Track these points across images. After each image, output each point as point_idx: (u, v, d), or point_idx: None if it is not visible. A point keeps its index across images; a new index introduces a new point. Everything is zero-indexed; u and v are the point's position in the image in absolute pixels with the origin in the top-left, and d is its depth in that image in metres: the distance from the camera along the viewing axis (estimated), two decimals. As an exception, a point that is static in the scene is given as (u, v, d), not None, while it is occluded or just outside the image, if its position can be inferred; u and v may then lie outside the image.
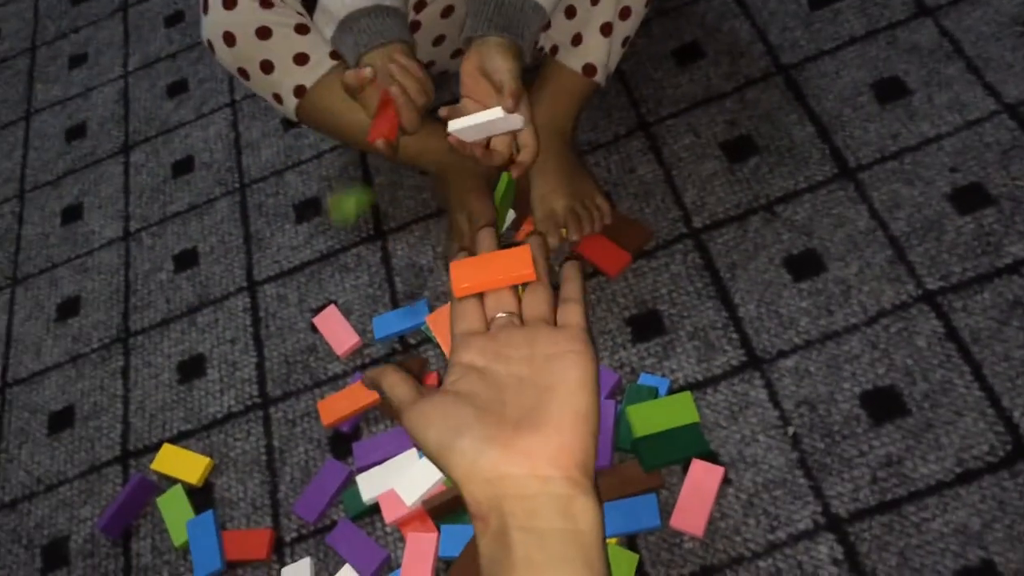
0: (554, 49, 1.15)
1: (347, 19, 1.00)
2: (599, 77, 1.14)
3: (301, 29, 1.12)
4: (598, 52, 1.12)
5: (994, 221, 1.04)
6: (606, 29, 1.10)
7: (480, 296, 0.54)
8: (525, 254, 0.53)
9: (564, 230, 1.15)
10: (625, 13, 1.11)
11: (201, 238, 1.38)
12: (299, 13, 1.12)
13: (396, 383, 0.51)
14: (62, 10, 1.83)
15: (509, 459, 0.46)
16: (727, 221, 1.14)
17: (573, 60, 1.13)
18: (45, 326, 1.37)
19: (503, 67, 0.94)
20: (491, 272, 0.53)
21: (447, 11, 1.20)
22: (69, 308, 1.38)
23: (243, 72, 1.14)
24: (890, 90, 1.18)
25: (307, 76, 1.13)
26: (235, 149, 1.47)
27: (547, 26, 1.09)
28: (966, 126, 1.12)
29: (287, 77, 1.13)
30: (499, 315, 0.52)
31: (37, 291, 1.42)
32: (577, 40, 1.12)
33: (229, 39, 1.11)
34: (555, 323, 0.52)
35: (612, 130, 1.26)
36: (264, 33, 1.10)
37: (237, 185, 1.42)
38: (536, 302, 0.53)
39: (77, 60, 1.73)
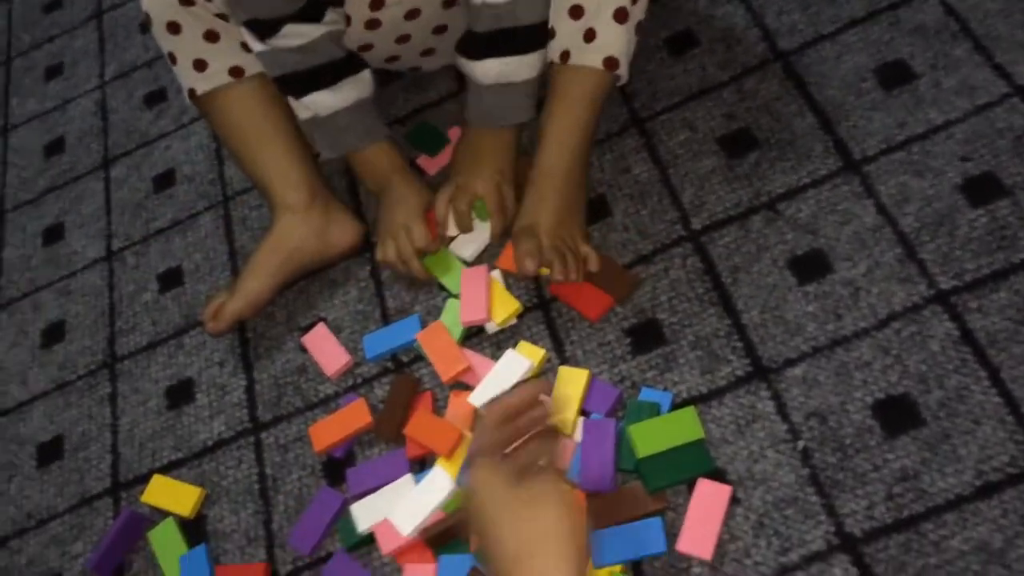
0: (565, 55, 1.06)
1: (329, 117, 1.13)
2: (622, 69, 1.06)
3: (211, 36, 1.13)
4: (617, 41, 1.04)
5: (1009, 213, 0.99)
6: (620, 15, 1.02)
7: None
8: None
9: (546, 269, 1.06)
10: None
11: (186, 255, 1.34)
12: (217, 16, 1.12)
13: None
14: (34, 19, 1.78)
15: None
16: (727, 221, 1.09)
17: (591, 57, 1.04)
18: (30, 353, 1.34)
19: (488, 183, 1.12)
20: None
21: (412, 13, 1.14)
22: (54, 334, 1.34)
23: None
24: (895, 75, 1.12)
25: (201, 83, 1.16)
26: (217, 160, 1.42)
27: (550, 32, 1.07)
28: (976, 111, 1.06)
29: (184, 76, 1.17)
30: None
31: (21, 316, 1.38)
32: (590, 36, 1.03)
33: (147, 20, 1.14)
34: None
35: (604, 128, 1.21)
36: (174, 28, 1.12)
37: (220, 198, 1.38)
38: None
39: (52, 71, 1.68)
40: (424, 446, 1.02)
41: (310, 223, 1.18)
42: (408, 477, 1.02)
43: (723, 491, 0.92)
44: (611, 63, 1.05)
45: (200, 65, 1.15)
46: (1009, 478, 0.86)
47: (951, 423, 0.90)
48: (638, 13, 1.04)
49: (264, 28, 1.07)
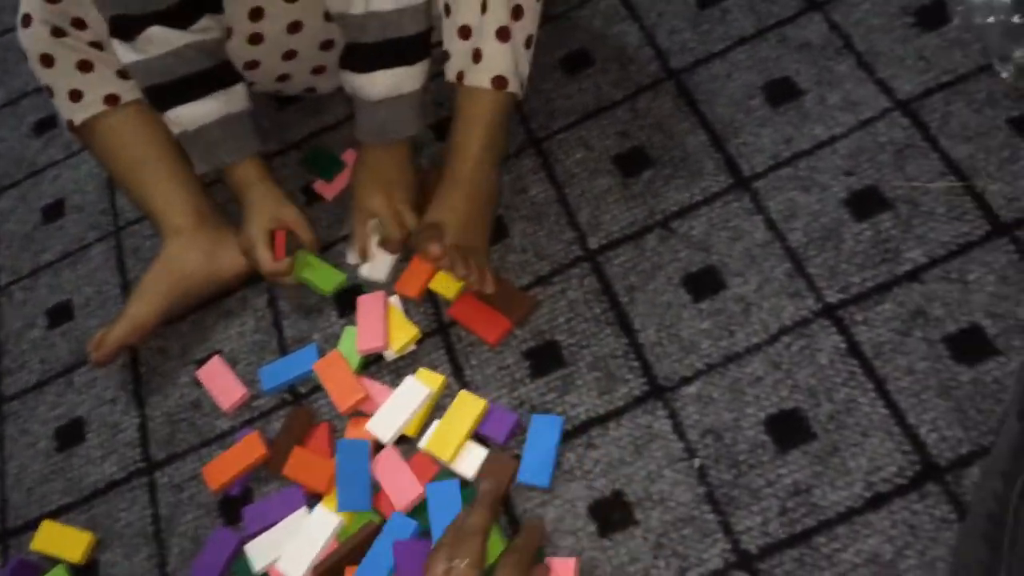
0: (460, 76, 1.06)
1: (198, 130, 1.10)
2: (512, 87, 1.06)
3: (85, 66, 1.12)
4: (503, 61, 1.04)
5: (891, 226, 1.01)
6: (503, 34, 1.03)
7: None
8: None
9: (444, 284, 1.08)
10: (517, 12, 1.03)
11: (75, 289, 1.29)
12: (92, 45, 1.12)
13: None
14: (-82, 45, 1.71)
15: None
16: (623, 240, 1.09)
17: (480, 77, 1.05)
18: (-89, 396, 1.27)
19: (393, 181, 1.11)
20: None
21: (294, 26, 1.13)
22: (-63, 375, 1.28)
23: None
24: (782, 91, 1.14)
25: (78, 113, 1.15)
26: (108, 189, 1.38)
27: (445, 54, 1.08)
28: (859, 126, 1.08)
29: (62, 107, 1.17)
30: None
31: (-99, 358, 1.32)
32: (478, 56, 1.04)
33: (23, 55, 1.13)
34: None
35: (501, 149, 1.20)
36: (47, 60, 1.11)
37: (112, 228, 1.33)
38: None
39: (-64, 99, 1.61)
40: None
41: (198, 246, 1.15)
42: (303, 511, 0.99)
43: (568, 564, 0.90)
44: (499, 82, 1.05)
45: (76, 95, 1.13)
46: (897, 488, 0.87)
47: (840, 436, 0.91)
48: (527, 27, 1.04)
49: (131, 26, 1.04)
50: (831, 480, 0.89)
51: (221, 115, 1.10)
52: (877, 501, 0.87)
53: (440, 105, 1.27)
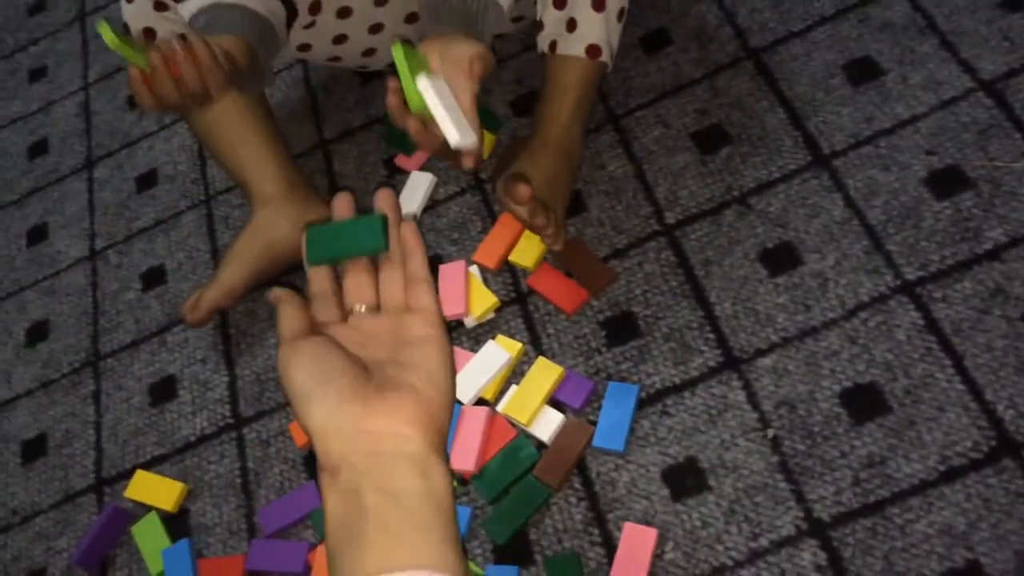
0: (552, 46, 1.10)
1: (196, 13, 1.02)
2: (604, 56, 1.08)
3: (185, 38, 1.12)
4: (597, 29, 1.07)
5: (972, 205, 1.01)
6: (598, 4, 1.05)
7: (335, 278, 0.54)
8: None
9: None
10: None
11: (168, 254, 1.35)
12: None
13: (289, 316, 0.50)
14: (18, 22, 1.79)
15: (370, 414, 0.46)
16: (700, 216, 1.11)
17: (574, 46, 1.08)
18: (15, 352, 1.35)
19: (469, 50, 0.90)
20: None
21: (381, 1, 1.16)
22: (38, 332, 1.35)
23: None
24: (863, 71, 1.14)
25: None
26: (199, 160, 1.43)
27: (538, 25, 1.08)
28: (941, 106, 1.08)
29: None
30: (359, 308, 0.53)
31: (5, 315, 1.39)
32: (572, 25, 1.07)
33: (126, 29, 1.14)
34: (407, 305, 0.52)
35: (580, 125, 1.23)
36: (149, 34, 1.12)
37: (203, 198, 1.39)
38: (391, 285, 0.53)
39: (36, 74, 1.69)
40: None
41: (288, 215, 1.19)
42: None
43: (649, 534, 0.92)
44: (593, 50, 1.07)
45: None
46: (972, 463, 0.88)
47: (916, 410, 0.92)
48: (618, 1, 1.07)
49: None
50: (906, 452, 0.90)
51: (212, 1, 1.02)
52: (952, 474, 0.88)
53: (519, 83, 1.30)
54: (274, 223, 1.20)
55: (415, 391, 0.47)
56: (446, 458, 0.47)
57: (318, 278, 0.53)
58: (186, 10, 1.03)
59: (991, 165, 1.02)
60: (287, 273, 1.24)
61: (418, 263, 0.53)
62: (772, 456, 0.94)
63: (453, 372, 0.50)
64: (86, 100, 1.60)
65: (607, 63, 1.10)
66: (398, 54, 0.83)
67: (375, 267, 0.54)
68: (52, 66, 1.68)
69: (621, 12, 1.08)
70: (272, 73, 1.19)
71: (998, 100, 1.06)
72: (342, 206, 0.54)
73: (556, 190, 1.10)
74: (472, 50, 0.90)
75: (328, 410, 0.46)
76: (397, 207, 0.54)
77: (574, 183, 1.15)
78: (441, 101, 0.85)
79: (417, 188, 1.23)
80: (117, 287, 1.35)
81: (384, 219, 0.52)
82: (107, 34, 0.86)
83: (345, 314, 0.53)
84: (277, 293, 0.52)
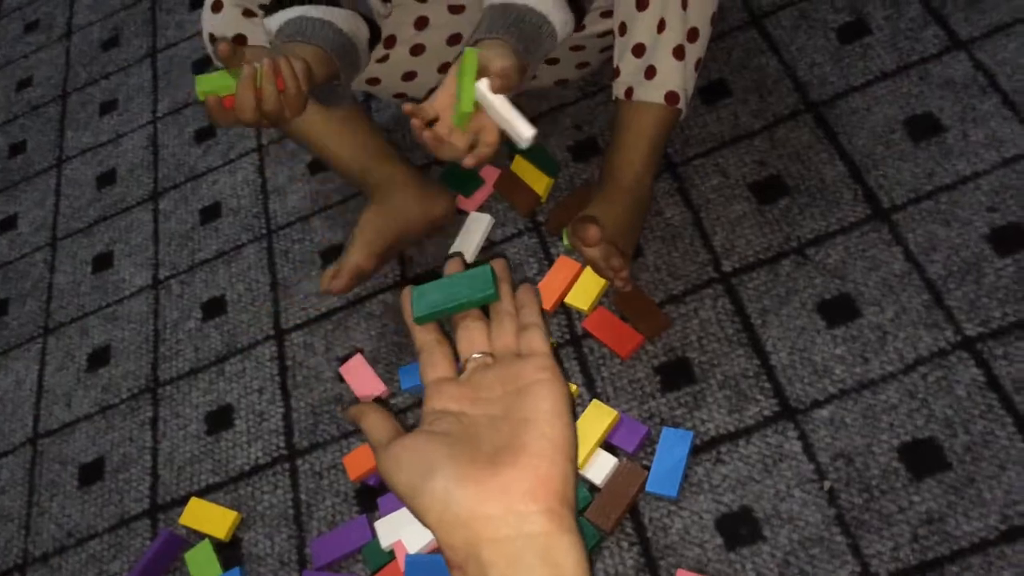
0: (628, 92, 1.11)
1: (283, 25, 1.00)
2: (681, 103, 1.09)
3: None
4: (676, 77, 1.08)
5: (1035, 263, 1.01)
6: (679, 52, 1.07)
7: (444, 335, 0.52)
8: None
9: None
10: (693, 35, 1.07)
11: (229, 286, 1.39)
12: None
13: (374, 424, 0.49)
14: (92, 55, 1.86)
15: (484, 497, 0.43)
16: (757, 264, 1.12)
17: (653, 93, 1.09)
18: (76, 376, 1.38)
19: (495, 64, 0.89)
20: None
21: (454, 39, 1.20)
22: (99, 358, 1.39)
23: None
24: (923, 127, 1.15)
25: None
26: (262, 195, 1.47)
27: (584, 65, 1.09)
28: (1003, 163, 1.09)
29: None
30: (474, 356, 0.50)
31: (68, 340, 1.43)
32: (651, 73, 1.08)
33: (212, 40, 1.14)
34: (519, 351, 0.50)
35: (638, 171, 1.25)
36: (241, 41, 1.13)
37: (264, 231, 1.43)
38: (503, 334, 0.51)
39: (107, 106, 1.75)
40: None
41: (409, 191, 1.26)
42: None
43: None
44: (672, 97, 1.09)
45: None
46: (1034, 524, 0.87)
47: (976, 467, 0.91)
48: (697, 51, 1.08)
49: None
50: (965, 510, 0.89)
51: (298, 14, 1.00)
52: (1012, 534, 0.87)
53: (578, 128, 1.33)
54: (397, 197, 1.26)
55: (530, 457, 0.44)
56: (577, 527, 0.44)
57: (425, 332, 0.52)
58: (273, 23, 1.03)
59: (1054, 224, 1.02)
60: (408, 245, 1.29)
61: (533, 312, 0.51)
62: (828, 509, 0.94)
63: (571, 423, 0.47)
64: (154, 133, 1.65)
65: (682, 110, 1.11)
66: (471, 58, 0.87)
67: (486, 322, 0.52)
68: (123, 99, 1.74)
69: (698, 62, 1.09)
70: (354, 94, 1.23)
71: (1061, 159, 1.06)
72: (454, 265, 0.54)
73: (625, 238, 1.11)
74: (499, 64, 0.89)
75: (440, 503, 0.43)
76: (506, 267, 0.54)
77: (641, 230, 1.17)
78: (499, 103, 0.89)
79: (475, 229, 1.26)
80: (178, 316, 1.38)
81: (492, 269, 0.52)
82: (204, 85, 0.88)
83: (454, 369, 0.51)
84: (353, 410, 0.51)
